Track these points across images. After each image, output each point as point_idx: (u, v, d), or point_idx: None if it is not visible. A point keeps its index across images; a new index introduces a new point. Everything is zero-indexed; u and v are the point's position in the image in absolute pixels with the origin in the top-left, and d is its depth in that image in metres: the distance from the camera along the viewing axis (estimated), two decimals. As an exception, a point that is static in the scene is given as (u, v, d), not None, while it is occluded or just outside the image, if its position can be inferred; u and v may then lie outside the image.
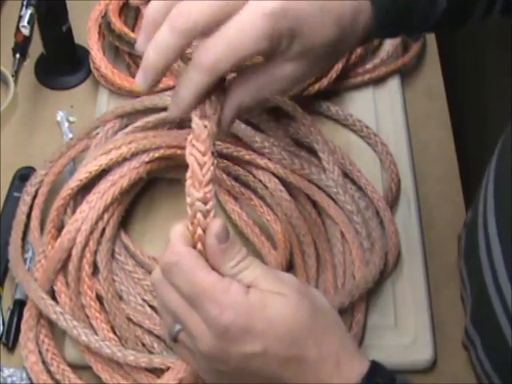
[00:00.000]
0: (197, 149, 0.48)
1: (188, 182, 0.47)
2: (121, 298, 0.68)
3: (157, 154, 0.72)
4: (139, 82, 0.51)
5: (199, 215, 0.47)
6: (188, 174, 0.47)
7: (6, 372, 0.66)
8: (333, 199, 0.70)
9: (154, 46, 0.49)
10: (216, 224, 0.47)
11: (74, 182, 0.69)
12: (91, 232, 0.68)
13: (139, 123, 0.74)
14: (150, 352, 0.65)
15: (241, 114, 0.52)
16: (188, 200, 0.47)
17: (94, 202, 0.69)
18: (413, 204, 0.74)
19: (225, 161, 0.73)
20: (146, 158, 0.71)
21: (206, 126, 0.48)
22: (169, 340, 0.50)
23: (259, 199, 0.73)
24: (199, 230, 0.47)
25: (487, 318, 0.57)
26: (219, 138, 0.70)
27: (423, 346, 0.66)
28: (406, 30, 0.57)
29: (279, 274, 0.49)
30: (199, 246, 0.47)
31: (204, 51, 0.48)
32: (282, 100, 0.75)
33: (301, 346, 0.47)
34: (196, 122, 0.48)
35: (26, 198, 0.72)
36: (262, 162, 0.72)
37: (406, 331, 0.67)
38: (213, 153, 0.48)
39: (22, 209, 0.72)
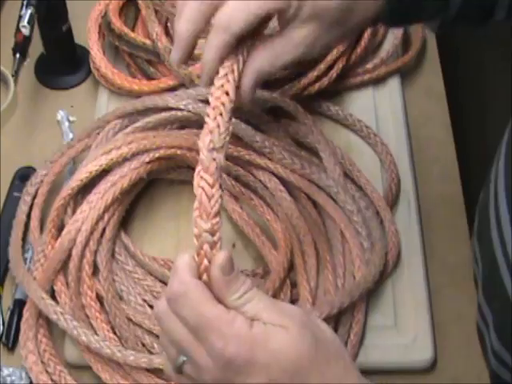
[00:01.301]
0: (205, 181, 0.48)
1: (195, 213, 0.47)
2: (121, 298, 0.68)
3: (157, 155, 0.72)
4: (173, 56, 0.56)
5: (206, 246, 0.47)
6: (195, 205, 0.48)
7: (6, 371, 0.66)
8: (333, 199, 0.70)
9: (183, 17, 0.54)
10: (221, 256, 0.48)
11: (74, 182, 0.69)
12: (91, 232, 0.68)
13: (139, 123, 0.74)
14: (150, 352, 0.65)
15: (260, 81, 0.56)
16: (195, 231, 0.47)
17: (95, 202, 0.69)
18: (413, 204, 0.74)
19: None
20: (146, 158, 0.71)
21: (214, 159, 0.49)
22: (172, 371, 0.51)
23: (259, 199, 0.73)
24: (205, 261, 0.47)
25: (497, 291, 0.57)
26: (243, 108, 0.70)
27: (423, 346, 0.66)
28: (419, 16, 0.58)
29: (282, 306, 0.50)
30: (205, 276, 0.48)
31: (221, 13, 0.53)
32: (282, 100, 0.76)
33: (304, 376, 0.48)
34: (205, 154, 0.49)
35: (26, 198, 0.72)
36: (262, 161, 0.72)
37: (406, 331, 0.67)
38: (220, 185, 0.49)
39: (23, 209, 0.72)
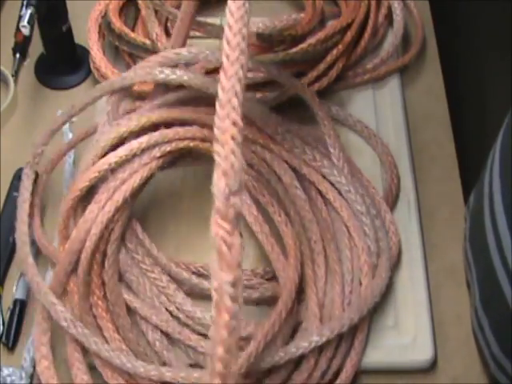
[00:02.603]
0: (224, 229, 0.43)
1: (215, 265, 0.43)
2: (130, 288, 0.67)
3: (169, 148, 0.68)
4: None
5: (227, 299, 0.42)
6: (214, 256, 0.43)
7: (6, 371, 0.66)
8: (343, 197, 0.70)
9: None
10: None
11: (82, 183, 0.66)
12: (101, 237, 0.66)
13: (148, 106, 0.71)
14: (155, 352, 0.64)
15: None
16: (214, 284, 0.43)
17: (103, 202, 0.66)
18: (413, 204, 0.74)
19: None
20: (157, 152, 0.68)
21: (232, 205, 0.44)
22: None
23: (271, 197, 0.70)
24: (226, 316, 0.42)
25: (495, 297, 0.57)
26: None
27: (423, 346, 0.66)
28: None
29: None
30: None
31: None
32: (300, 87, 0.74)
33: None
34: (221, 201, 0.44)
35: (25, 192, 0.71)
36: (276, 148, 0.70)
37: (406, 331, 0.67)
38: (240, 232, 0.45)
39: (24, 207, 0.70)
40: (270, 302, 0.66)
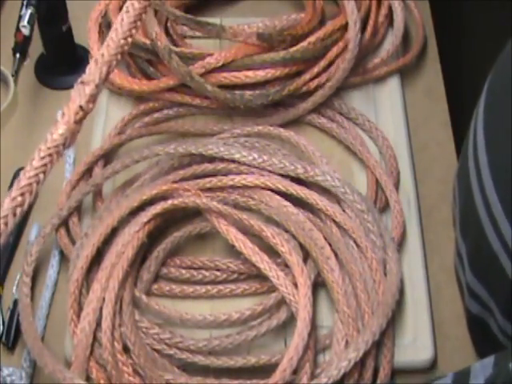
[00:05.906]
0: None
1: None
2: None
3: (154, 211, 0.67)
4: None
5: None
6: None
7: (6, 371, 0.66)
8: (340, 199, 0.70)
9: None
10: None
11: (82, 261, 0.66)
12: (114, 314, 0.65)
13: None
14: None
15: None
16: None
17: (105, 279, 0.65)
18: (413, 204, 0.74)
19: (219, 194, 0.71)
20: (144, 217, 0.67)
21: None
22: None
23: (269, 228, 0.68)
24: None
25: (472, 221, 0.59)
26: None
27: (423, 346, 0.66)
28: None
29: None
30: None
31: None
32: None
33: None
34: None
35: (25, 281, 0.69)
36: (259, 182, 0.70)
37: (405, 331, 0.67)
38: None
39: (24, 291, 0.69)
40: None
